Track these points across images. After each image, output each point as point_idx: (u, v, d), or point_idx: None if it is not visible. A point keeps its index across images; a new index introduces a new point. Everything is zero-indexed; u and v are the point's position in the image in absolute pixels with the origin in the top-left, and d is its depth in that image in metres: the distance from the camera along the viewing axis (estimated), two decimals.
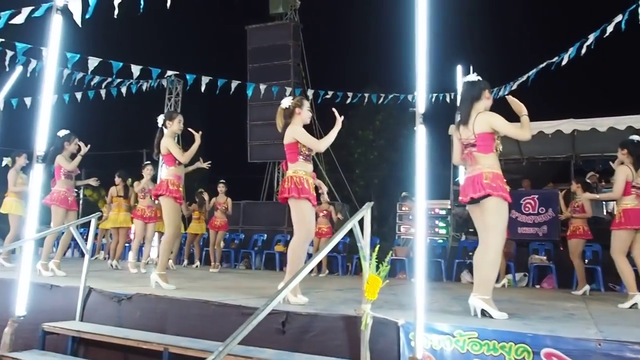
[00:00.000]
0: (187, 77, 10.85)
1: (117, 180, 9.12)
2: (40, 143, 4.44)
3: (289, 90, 12.30)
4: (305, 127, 4.65)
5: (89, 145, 6.71)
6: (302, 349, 3.51)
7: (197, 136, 5.68)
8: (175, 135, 5.64)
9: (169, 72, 11.66)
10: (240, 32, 16.83)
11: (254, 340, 3.15)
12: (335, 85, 16.13)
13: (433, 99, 11.90)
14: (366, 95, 12.94)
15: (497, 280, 7.98)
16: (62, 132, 6.67)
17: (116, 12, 5.86)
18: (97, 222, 6.55)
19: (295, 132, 4.50)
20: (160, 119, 5.60)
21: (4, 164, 7.98)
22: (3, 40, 8.36)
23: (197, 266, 10.36)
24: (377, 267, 3.26)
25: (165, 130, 5.59)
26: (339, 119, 4.58)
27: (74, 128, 6.83)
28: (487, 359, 3.04)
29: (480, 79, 4.16)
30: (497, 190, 3.86)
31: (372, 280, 3.20)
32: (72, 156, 6.69)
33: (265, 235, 12.51)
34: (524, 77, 10.05)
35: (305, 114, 4.61)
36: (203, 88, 10.68)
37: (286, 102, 4.66)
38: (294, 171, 4.49)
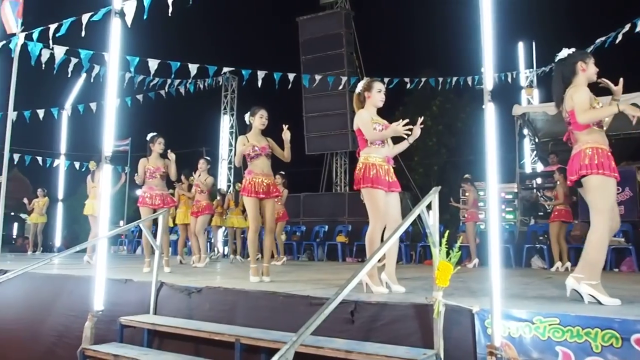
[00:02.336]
0: (243, 72, 10.91)
1: (182, 178, 9.34)
2: (108, 145, 4.59)
3: (344, 79, 12.19)
4: None
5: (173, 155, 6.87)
6: (371, 338, 3.44)
7: (285, 133, 5.40)
8: (259, 131, 5.46)
9: (225, 69, 11.75)
10: (291, 25, 16.89)
11: (323, 330, 3.08)
12: (391, 72, 15.95)
13: (495, 79, 11.52)
14: (423, 80, 12.65)
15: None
16: (150, 135, 6.84)
17: (170, 10, 5.86)
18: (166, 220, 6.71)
19: (357, 117, 4.40)
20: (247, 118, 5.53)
21: (92, 168, 8.41)
22: (67, 48, 8.64)
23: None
24: (448, 254, 3.17)
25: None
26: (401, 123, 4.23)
27: (137, 129, 7.00)
28: (571, 346, 2.87)
29: (573, 51, 3.82)
30: (598, 167, 3.56)
31: (443, 267, 3.10)
32: (160, 156, 6.83)
33: (327, 226, 12.52)
34: (590, 49, 9.55)
35: (375, 97, 4.39)
36: (260, 83, 10.72)
37: (358, 87, 4.51)
38: (365, 158, 4.38)
